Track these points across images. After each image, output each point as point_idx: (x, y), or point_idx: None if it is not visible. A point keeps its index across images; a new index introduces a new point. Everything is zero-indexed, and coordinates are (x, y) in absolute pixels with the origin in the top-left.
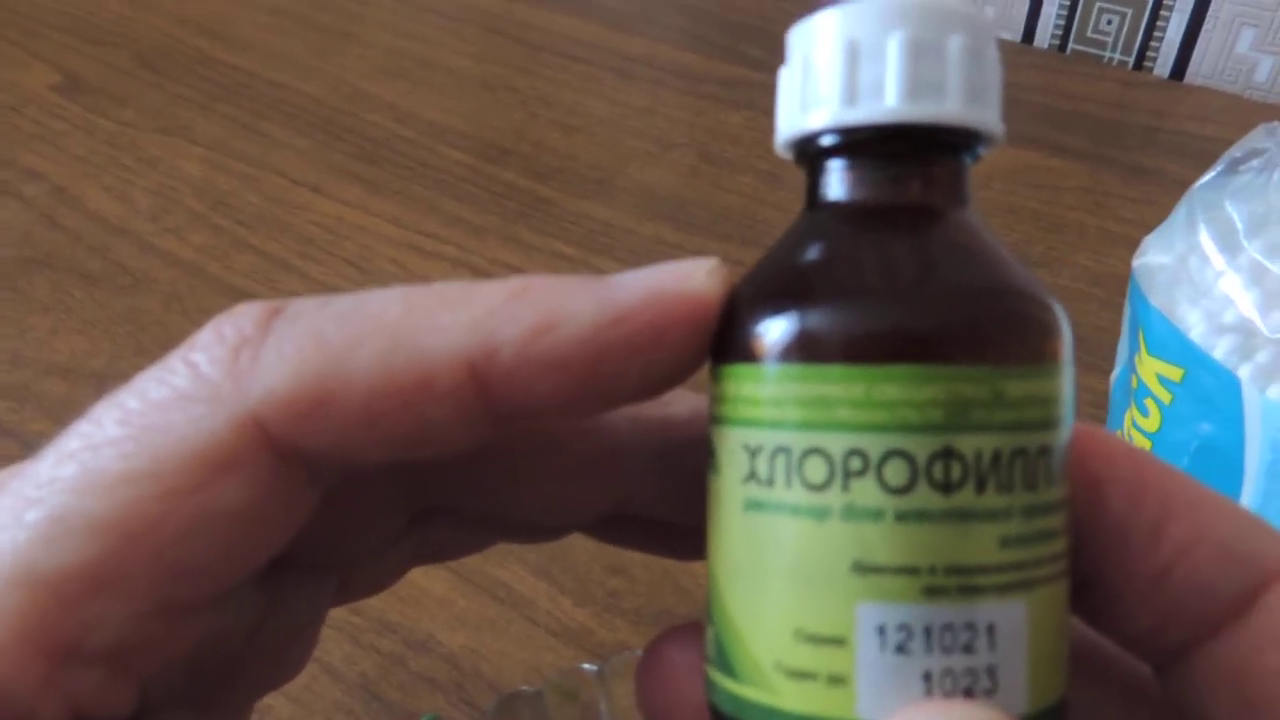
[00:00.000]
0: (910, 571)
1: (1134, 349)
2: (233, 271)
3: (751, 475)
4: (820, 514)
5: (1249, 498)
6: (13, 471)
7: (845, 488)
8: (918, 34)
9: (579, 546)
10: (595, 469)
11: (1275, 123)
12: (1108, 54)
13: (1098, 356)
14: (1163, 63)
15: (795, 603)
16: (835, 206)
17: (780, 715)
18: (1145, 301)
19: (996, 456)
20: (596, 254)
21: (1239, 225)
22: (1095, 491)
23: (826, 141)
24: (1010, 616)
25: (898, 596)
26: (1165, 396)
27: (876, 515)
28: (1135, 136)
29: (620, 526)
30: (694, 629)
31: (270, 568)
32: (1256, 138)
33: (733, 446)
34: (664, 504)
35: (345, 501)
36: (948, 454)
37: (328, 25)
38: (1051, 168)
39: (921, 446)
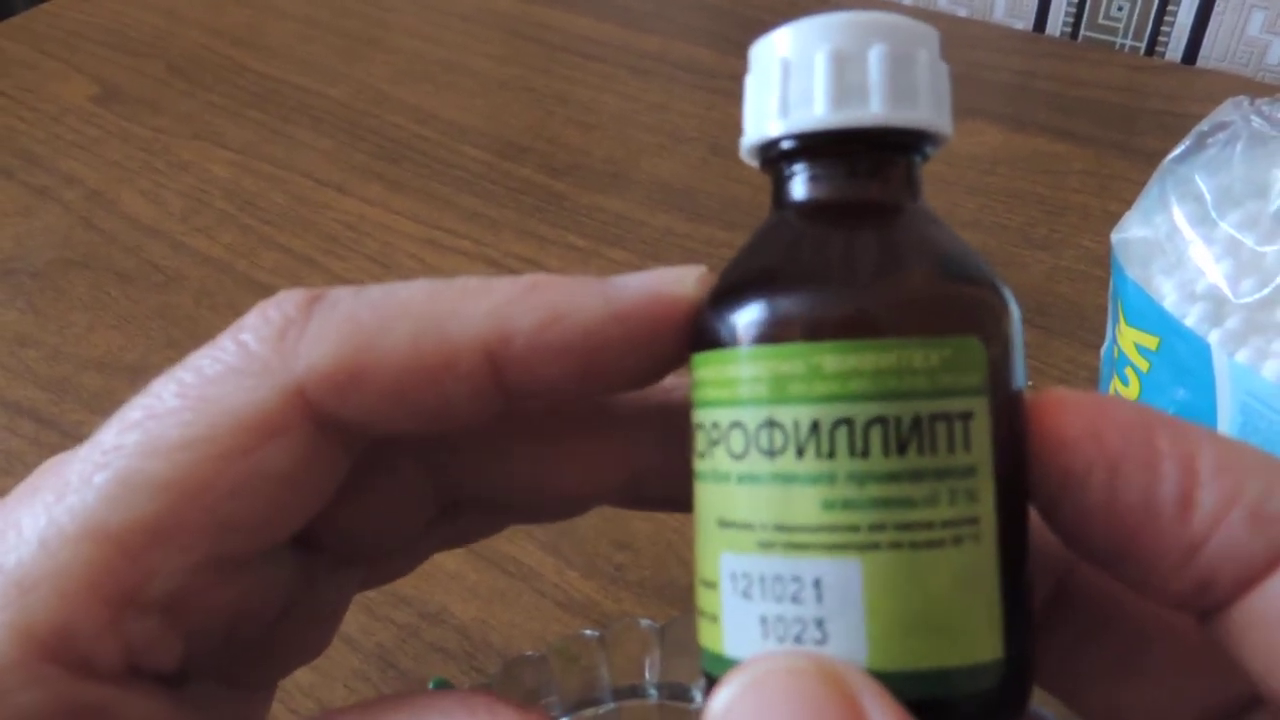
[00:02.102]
0: (747, 527)
1: (1114, 320)
2: (260, 269)
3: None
4: (702, 477)
5: None
6: (61, 459)
7: (711, 455)
8: (844, 46)
9: (586, 522)
10: (606, 450)
11: (1242, 97)
12: (1119, 40)
13: (1099, 336)
14: (1174, 47)
15: (699, 554)
16: (790, 206)
17: (702, 651)
18: (1124, 274)
19: (815, 425)
20: (609, 245)
21: (1208, 197)
22: (1114, 469)
23: (779, 148)
24: (840, 574)
25: (741, 548)
26: (1143, 365)
27: (727, 477)
28: (1144, 121)
29: (633, 499)
30: None
31: (305, 549)
32: (1224, 111)
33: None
34: (668, 480)
35: (379, 491)
36: (770, 424)
37: (354, 32)
38: (1056, 153)
39: (751, 418)
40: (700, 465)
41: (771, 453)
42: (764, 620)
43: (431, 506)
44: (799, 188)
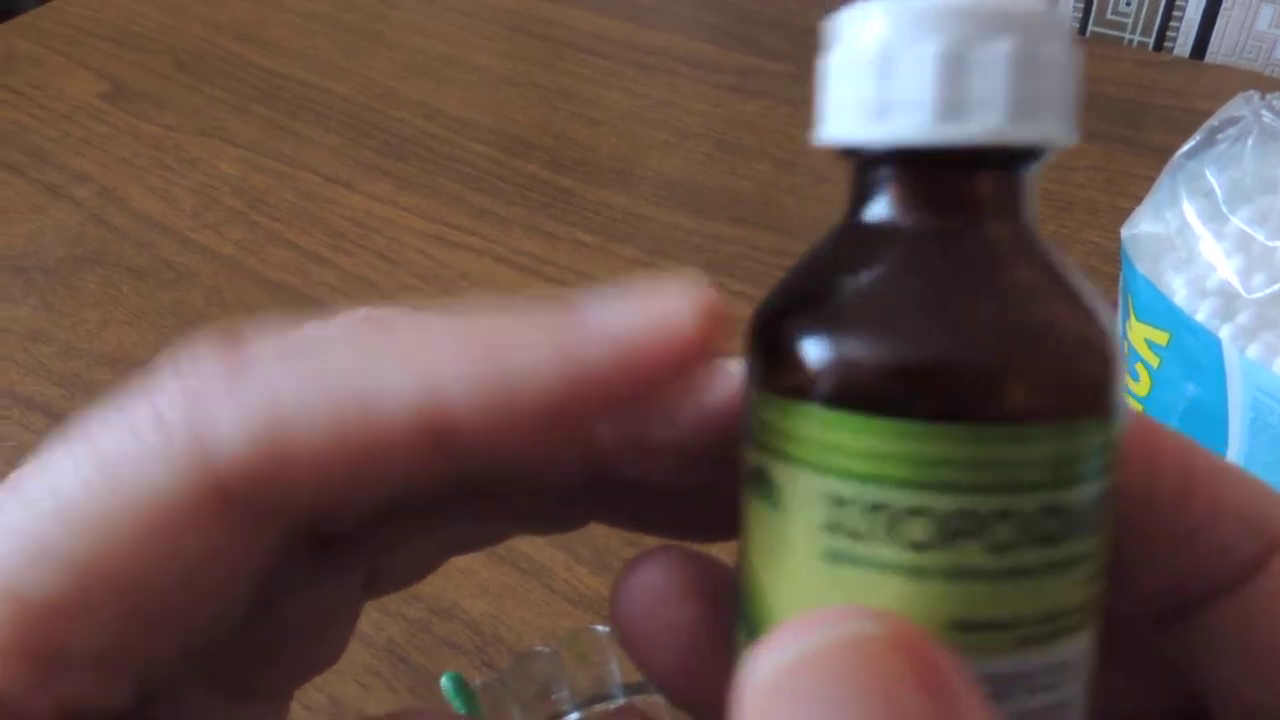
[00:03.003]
0: (1008, 626)
1: (1124, 316)
2: (269, 265)
3: (838, 526)
4: (917, 573)
5: (1234, 454)
6: (10, 483)
7: (952, 546)
8: (960, 40)
9: None
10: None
11: (1253, 91)
12: (1127, 35)
13: None
14: (1183, 42)
15: None
16: (897, 230)
17: None
18: (1134, 269)
19: (1096, 498)
20: (617, 241)
21: (1219, 192)
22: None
23: (898, 158)
24: (1081, 648)
25: (997, 650)
26: (1153, 360)
27: (973, 574)
28: (1152, 116)
29: (629, 506)
30: (669, 551)
31: (280, 547)
32: (1234, 106)
33: (808, 490)
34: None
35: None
36: (1052, 510)
37: (358, 27)
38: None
39: (1030, 503)
40: (905, 557)
41: (1049, 540)
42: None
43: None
44: (918, 211)
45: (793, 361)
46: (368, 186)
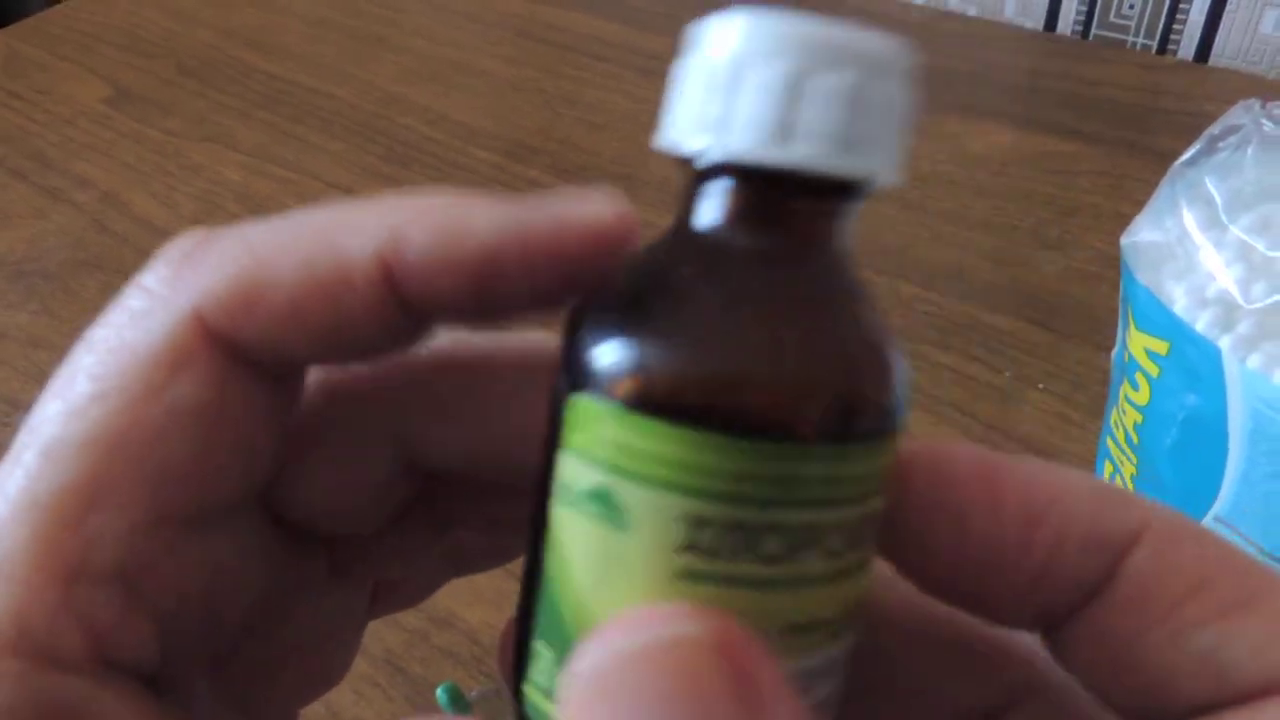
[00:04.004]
0: (830, 623)
1: (1125, 325)
2: None
3: (690, 546)
4: (766, 584)
5: (1234, 464)
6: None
7: (794, 559)
8: (803, 68)
9: None
10: None
11: (1253, 100)
12: (1130, 38)
13: (1109, 337)
14: (1186, 45)
15: None
16: (716, 243)
17: None
18: (1133, 278)
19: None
20: None
21: (1219, 201)
22: (960, 524)
23: (728, 171)
24: (853, 641)
25: (814, 648)
26: (1153, 370)
27: (817, 579)
28: (1156, 120)
29: None
30: None
31: (286, 542)
32: (1234, 114)
33: (653, 507)
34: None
35: (339, 461)
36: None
37: (363, 33)
38: (1067, 152)
39: (858, 514)
40: (753, 570)
41: (862, 544)
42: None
43: (403, 481)
44: (735, 223)
45: (594, 361)
46: (371, 192)
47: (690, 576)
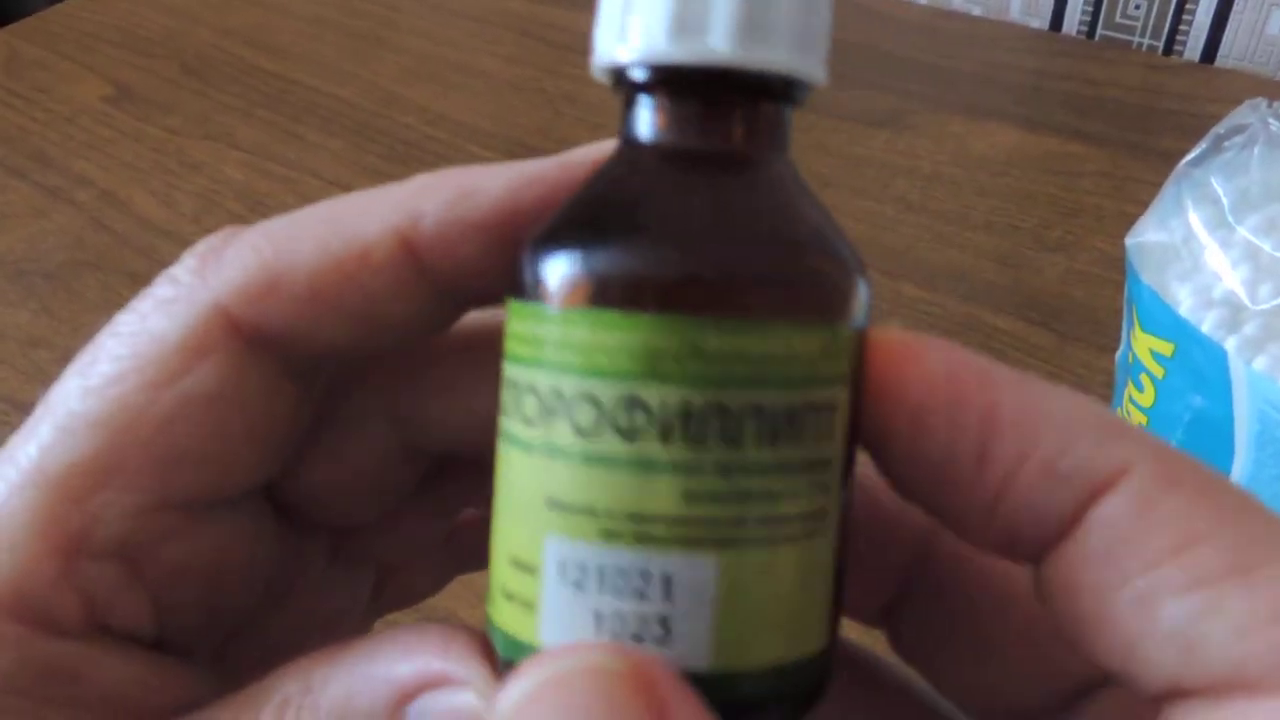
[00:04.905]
0: (589, 512)
1: (1129, 326)
2: None
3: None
4: (525, 446)
5: (1240, 467)
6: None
7: (544, 424)
8: None
9: None
10: None
11: (1260, 99)
12: (1136, 39)
13: (1114, 340)
14: (1192, 46)
15: (510, 530)
16: (636, 147)
17: (497, 632)
18: (1138, 279)
19: (687, 409)
20: None
21: (1225, 201)
22: (918, 420)
23: (640, 77)
24: (694, 571)
25: (577, 534)
26: (1158, 371)
27: (567, 454)
28: (1161, 121)
29: None
30: None
31: (292, 528)
32: (1240, 114)
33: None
34: None
35: (345, 447)
36: (633, 402)
37: (363, 32)
38: (1070, 153)
39: (608, 392)
40: (523, 431)
41: (631, 434)
42: (599, 615)
43: (406, 468)
44: (657, 127)
45: (520, 260)
46: None
47: (501, 438)
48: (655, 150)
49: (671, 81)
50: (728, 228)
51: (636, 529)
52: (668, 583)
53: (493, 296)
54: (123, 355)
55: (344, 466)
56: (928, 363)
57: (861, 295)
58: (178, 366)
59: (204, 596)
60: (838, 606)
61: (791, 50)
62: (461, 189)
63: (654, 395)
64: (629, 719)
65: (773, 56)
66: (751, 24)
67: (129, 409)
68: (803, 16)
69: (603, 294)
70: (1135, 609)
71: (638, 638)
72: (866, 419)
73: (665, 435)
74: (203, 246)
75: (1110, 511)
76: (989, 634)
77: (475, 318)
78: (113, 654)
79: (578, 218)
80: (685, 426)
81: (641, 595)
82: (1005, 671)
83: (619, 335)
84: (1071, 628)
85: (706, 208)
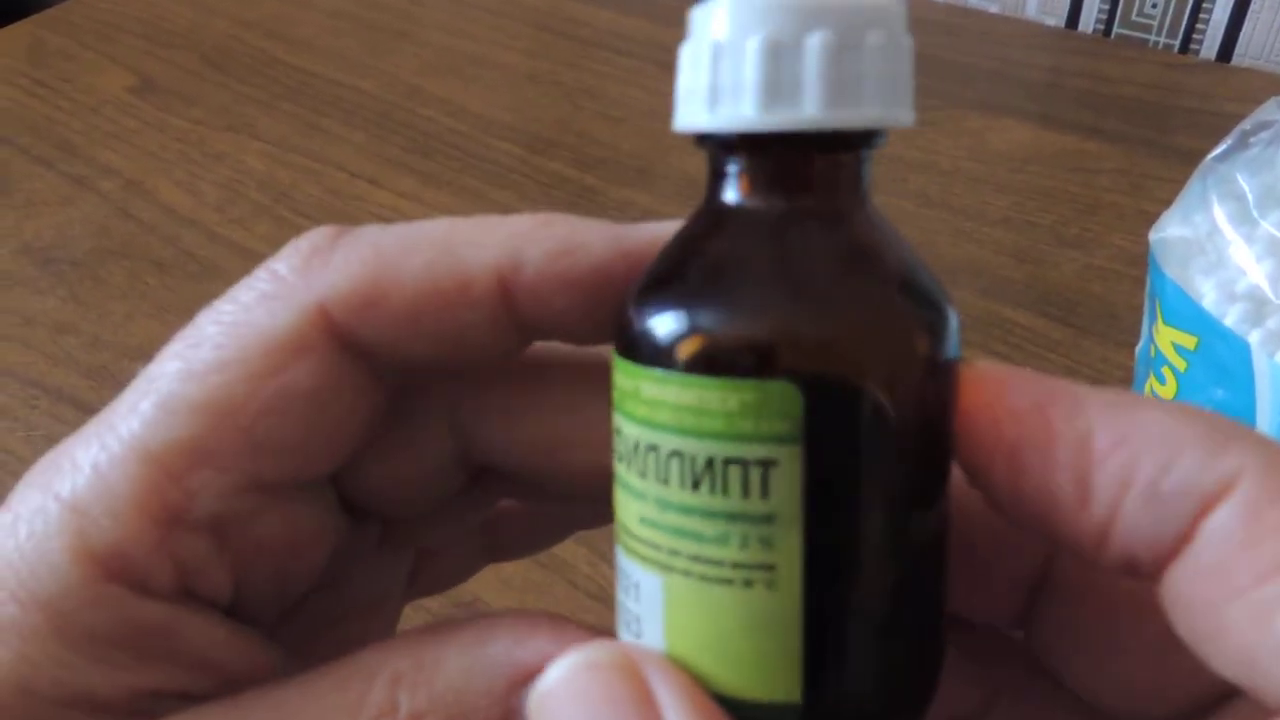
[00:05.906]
0: (619, 521)
1: (1151, 319)
2: None
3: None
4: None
5: None
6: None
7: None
8: (780, 32)
9: None
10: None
11: None
12: (1152, 37)
13: (1132, 335)
14: (1209, 44)
15: None
16: (724, 207)
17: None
18: (1161, 273)
19: (636, 444)
20: None
21: (1250, 196)
22: (1013, 460)
23: (730, 141)
24: (649, 583)
25: (617, 541)
26: (1180, 364)
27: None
28: (1177, 118)
29: None
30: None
31: (348, 511)
32: (1267, 110)
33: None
34: None
35: (406, 445)
36: (617, 431)
37: (384, 25)
38: (1088, 151)
39: (620, 424)
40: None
41: (620, 458)
42: (620, 606)
43: (459, 471)
44: (744, 188)
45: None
46: (393, 183)
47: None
48: (744, 211)
49: (762, 146)
50: (806, 294)
51: (625, 538)
52: (638, 588)
53: (569, 337)
54: (225, 345)
55: (404, 464)
56: (1014, 398)
57: (938, 333)
58: (278, 362)
59: (276, 572)
60: (835, 663)
61: (882, 103)
62: (565, 245)
63: (627, 427)
64: (619, 703)
65: (865, 113)
66: (843, 85)
67: (231, 398)
68: (889, 66)
69: (620, 349)
70: (1249, 622)
71: (629, 630)
72: (961, 455)
73: (628, 463)
74: (306, 244)
75: (1219, 525)
76: (1124, 640)
77: (543, 346)
78: (198, 618)
79: (683, 281)
80: (635, 458)
81: (628, 594)
82: (1141, 677)
83: (619, 378)
84: (1193, 641)
85: (796, 270)
